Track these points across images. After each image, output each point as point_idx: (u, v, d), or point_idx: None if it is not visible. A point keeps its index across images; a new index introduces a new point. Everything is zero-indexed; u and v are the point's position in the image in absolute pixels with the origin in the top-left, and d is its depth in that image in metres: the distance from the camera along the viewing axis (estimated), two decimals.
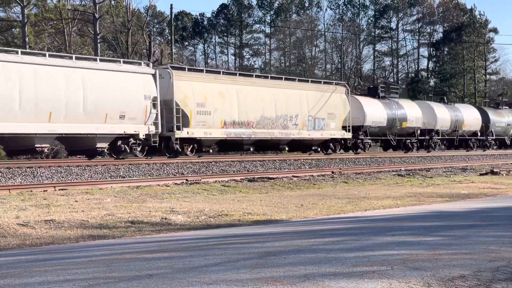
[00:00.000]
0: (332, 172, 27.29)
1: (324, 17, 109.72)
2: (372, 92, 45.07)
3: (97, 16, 47.62)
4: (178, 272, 6.93)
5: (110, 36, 52.74)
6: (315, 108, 36.66)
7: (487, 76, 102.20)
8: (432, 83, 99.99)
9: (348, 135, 38.84)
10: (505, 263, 7.19)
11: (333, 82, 40.87)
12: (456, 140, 51.51)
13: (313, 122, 36.45)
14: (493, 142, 56.40)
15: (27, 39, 46.41)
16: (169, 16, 57.86)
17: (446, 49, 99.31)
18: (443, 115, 49.48)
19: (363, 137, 41.18)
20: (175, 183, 21.07)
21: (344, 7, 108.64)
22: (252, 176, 23.86)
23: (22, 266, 7.62)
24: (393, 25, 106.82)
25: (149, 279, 6.54)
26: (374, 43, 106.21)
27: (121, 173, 23.42)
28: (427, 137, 47.34)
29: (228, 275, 6.70)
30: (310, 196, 17.97)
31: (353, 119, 39.52)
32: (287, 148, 36.10)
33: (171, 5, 54.19)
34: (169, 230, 11.62)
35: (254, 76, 36.89)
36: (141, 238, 10.64)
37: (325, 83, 39.69)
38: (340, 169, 29.06)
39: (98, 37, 48.11)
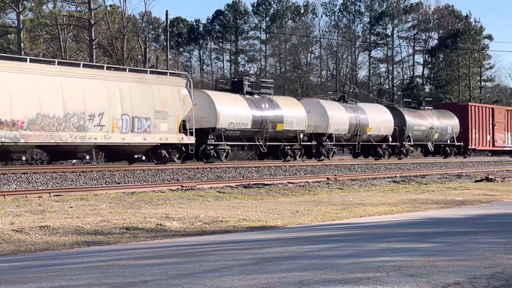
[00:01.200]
0: (327, 179, 27.29)
1: (319, 23, 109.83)
2: (236, 87, 36.72)
3: (92, 22, 47.59)
4: (173, 278, 6.92)
5: (105, 42, 52.71)
6: (136, 104, 28.68)
7: (482, 82, 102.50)
8: (427, 89, 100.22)
9: (190, 139, 30.81)
10: (500, 269, 7.19)
11: (166, 73, 33.43)
12: (358, 146, 42.73)
13: (131, 123, 28.36)
14: (411, 148, 48.07)
15: (22, 45, 46.37)
16: (165, 22, 57.90)
17: (441, 56, 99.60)
18: (339, 116, 40.66)
19: (214, 142, 33.12)
20: (170, 189, 21.04)
21: (339, 13, 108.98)
22: (247, 183, 23.84)
23: (16, 272, 7.60)
24: (388, 31, 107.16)
25: (144, 285, 6.53)
26: (369, 50, 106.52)
27: (116, 179, 23.39)
28: (314, 142, 39.03)
29: (223, 282, 6.69)
30: (305, 203, 17.96)
31: (201, 120, 32.06)
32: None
33: (167, 11, 54.42)
34: (164, 236, 11.60)
35: (23, 60, 26.86)
36: (136, 245, 10.62)
37: (153, 72, 31.90)
38: (335, 175, 29.06)
39: (94, 43, 48.09)
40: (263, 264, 7.70)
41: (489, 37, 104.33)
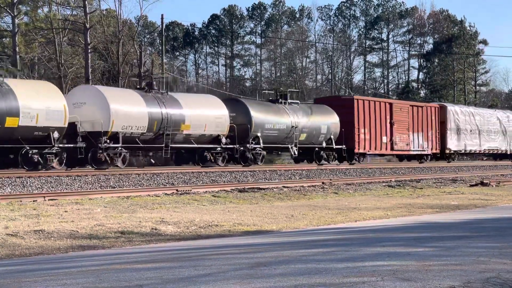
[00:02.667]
0: (323, 183, 27.30)
1: (315, 28, 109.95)
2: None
3: (87, 26, 47.60)
4: (168, 282, 6.91)
5: (101, 46, 52.70)
6: None
7: (477, 87, 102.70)
8: (422, 94, 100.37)
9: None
10: (495, 274, 7.20)
11: None
12: (166, 150, 30.48)
13: None
14: (263, 153, 34.99)
15: (17, 48, 46.36)
16: (160, 26, 57.91)
17: (437, 60, 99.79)
18: (131, 109, 29.36)
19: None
20: (166, 194, 21.02)
21: (335, 18, 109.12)
22: (243, 187, 23.84)
23: (11, 277, 7.58)
24: (383, 36, 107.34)
25: None
26: (364, 54, 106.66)
27: (111, 183, 23.37)
28: (81, 144, 27.42)
29: (218, 286, 6.68)
30: (301, 207, 17.96)
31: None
32: None
33: (162, 15, 54.42)
34: (159, 240, 11.59)
35: None
36: (131, 249, 10.61)
37: None
38: (330, 179, 29.08)
39: (89, 47, 48.09)
40: (258, 269, 7.70)
41: (484, 42, 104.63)
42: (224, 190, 22.80)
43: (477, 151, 54.78)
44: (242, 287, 6.61)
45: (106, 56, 53.50)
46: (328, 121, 39.12)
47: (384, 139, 43.46)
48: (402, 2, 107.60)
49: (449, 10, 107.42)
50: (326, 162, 38.74)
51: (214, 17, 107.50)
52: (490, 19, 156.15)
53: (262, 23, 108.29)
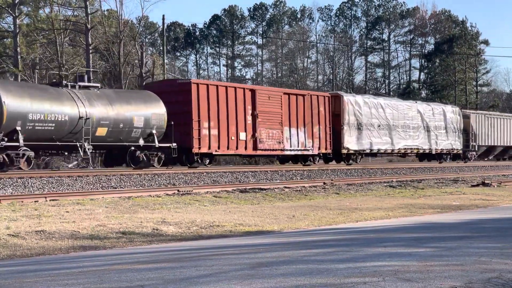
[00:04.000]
0: (324, 183, 27.29)
1: (316, 28, 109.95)
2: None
3: (89, 26, 47.61)
4: (169, 283, 6.92)
5: (102, 46, 52.70)
6: None
7: (479, 87, 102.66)
8: (423, 94, 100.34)
9: None
10: (496, 274, 7.20)
11: None
12: None
13: None
14: (30, 154, 25.02)
15: (18, 49, 46.37)
16: (161, 26, 57.93)
17: (438, 61, 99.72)
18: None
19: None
20: (167, 194, 21.02)
21: (336, 18, 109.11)
22: (244, 187, 23.83)
23: (12, 277, 7.59)
24: (385, 36, 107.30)
25: None
26: (366, 55, 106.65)
27: (113, 184, 23.37)
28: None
29: (219, 286, 6.69)
30: (302, 207, 17.96)
31: None
32: None
33: (163, 15, 54.22)
34: (160, 241, 11.59)
35: None
36: (132, 249, 10.61)
37: None
38: (331, 180, 29.07)
39: (90, 47, 48.09)
40: (260, 269, 7.70)
41: (485, 42, 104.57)
42: (226, 190, 22.80)
43: (389, 151, 44.04)
44: (243, 287, 6.61)
45: (108, 56, 53.51)
46: (145, 112, 29.02)
47: (243, 135, 33.19)
48: (404, 2, 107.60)
49: (450, 10, 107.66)
50: (154, 166, 28.96)
51: (215, 18, 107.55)
52: (491, 19, 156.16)
53: (263, 23, 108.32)
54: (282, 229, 13.35)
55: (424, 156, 48.98)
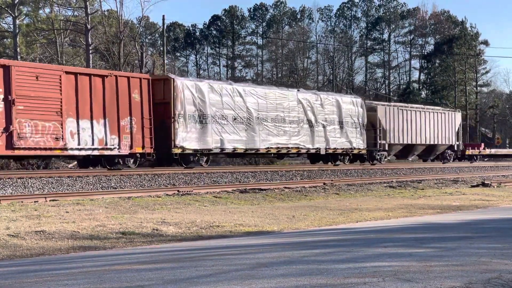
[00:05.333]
0: (324, 184, 27.29)
1: (316, 29, 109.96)
2: None
3: (89, 26, 47.63)
4: (169, 283, 6.91)
5: (102, 46, 52.74)
6: None
7: (478, 88, 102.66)
8: (423, 94, 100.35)
9: None
10: (496, 274, 7.19)
11: None
12: None
13: None
14: None
15: (18, 49, 46.38)
16: (162, 27, 57.95)
17: (438, 61, 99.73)
18: None
19: None
20: (167, 194, 21.01)
21: (336, 19, 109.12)
22: (244, 187, 23.82)
23: (12, 277, 7.59)
24: (385, 37, 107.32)
25: None
26: (366, 55, 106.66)
27: (113, 184, 23.36)
28: None
29: (219, 286, 6.68)
30: (302, 208, 17.96)
31: None
32: None
33: (163, 16, 54.23)
34: (160, 241, 11.59)
35: None
36: (132, 249, 10.61)
37: None
38: (331, 180, 29.06)
39: (90, 47, 48.12)
40: (260, 269, 7.70)
41: (485, 43, 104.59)
42: (225, 191, 22.79)
43: (253, 150, 34.00)
44: (243, 287, 6.61)
45: (108, 57, 53.53)
46: None
47: None
48: (404, 3, 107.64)
49: (450, 11, 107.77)
50: None
51: (215, 18, 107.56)
52: (491, 20, 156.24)
53: (264, 24, 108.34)
54: (282, 230, 13.35)
55: (316, 157, 39.53)
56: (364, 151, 40.40)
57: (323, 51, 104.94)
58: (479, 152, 56.32)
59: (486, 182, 29.45)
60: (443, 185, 29.62)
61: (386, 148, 42.72)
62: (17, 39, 46.64)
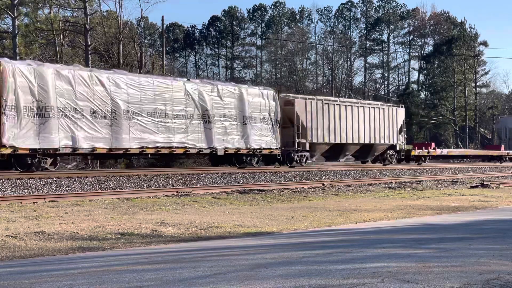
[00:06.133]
0: (323, 185, 27.29)
1: (315, 29, 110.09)
2: None
3: (88, 27, 47.62)
4: (168, 284, 6.91)
5: (101, 47, 52.72)
6: None
7: (477, 89, 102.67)
8: (422, 95, 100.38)
9: None
10: (496, 275, 7.19)
11: None
12: None
13: None
14: None
15: (17, 50, 46.36)
16: (161, 27, 57.93)
17: (437, 62, 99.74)
18: None
19: None
20: (166, 195, 21.02)
21: (335, 19, 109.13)
22: (243, 188, 23.83)
23: (11, 278, 7.58)
24: (384, 37, 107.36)
25: None
26: (365, 56, 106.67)
27: (112, 185, 23.36)
28: None
29: (218, 287, 6.68)
30: (301, 208, 17.96)
31: None
32: None
33: (163, 16, 54.26)
34: (159, 242, 11.59)
35: None
36: (131, 250, 10.60)
37: None
38: (331, 181, 29.06)
39: (89, 48, 48.11)
40: (258, 270, 7.70)
41: (484, 44, 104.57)
42: (224, 191, 22.79)
43: (120, 150, 28.08)
44: None
45: (107, 57, 53.52)
46: None
47: None
48: (403, 3, 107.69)
49: (449, 11, 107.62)
50: None
51: (214, 19, 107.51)
52: (490, 20, 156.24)
53: (263, 24, 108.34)
54: (281, 230, 13.35)
55: (220, 158, 34.15)
56: (277, 151, 34.90)
57: (322, 52, 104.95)
58: (428, 152, 49.96)
59: (485, 183, 29.47)
60: (442, 186, 29.62)
61: (307, 148, 36.92)
62: (16, 39, 46.61)
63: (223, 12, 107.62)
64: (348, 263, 8.11)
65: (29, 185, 21.58)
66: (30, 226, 12.72)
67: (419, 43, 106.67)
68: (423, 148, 50.50)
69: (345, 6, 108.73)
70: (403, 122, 45.89)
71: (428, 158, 50.18)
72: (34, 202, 17.82)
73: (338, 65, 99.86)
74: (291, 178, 30.27)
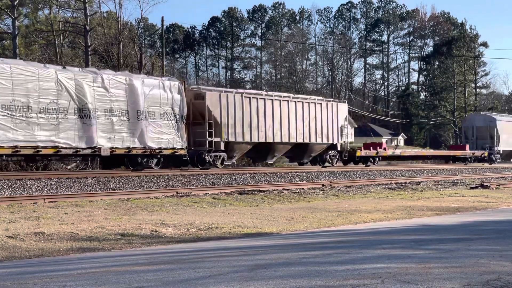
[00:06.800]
0: (323, 185, 27.29)
1: (315, 30, 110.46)
2: None
3: (88, 28, 47.61)
4: (168, 284, 6.91)
5: (101, 48, 52.72)
6: None
7: (477, 89, 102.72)
8: (422, 96, 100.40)
9: None
10: (495, 276, 7.19)
11: None
12: None
13: None
14: None
15: (17, 50, 46.35)
16: (161, 28, 57.94)
17: (437, 63, 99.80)
18: None
19: None
20: (166, 196, 21.01)
21: (335, 20, 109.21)
22: (243, 189, 23.82)
23: (11, 279, 7.58)
24: (384, 38, 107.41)
25: None
26: (365, 56, 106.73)
27: (111, 186, 23.35)
28: None
29: None
30: (301, 209, 17.95)
31: None
32: None
33: (162, 17, 54.36)
34: (159, 242, 11.59)
35: None
36: (131, 251, 10.60)
37: None
38: (330, 182, 29.05)
39: (89, 49, 48.10)
40: (258, 271, 7.69)
41: (484, 45, 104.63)
42: (224, 192, 22.79)
43: None
44: None
45: (107, 58, 53.51)
46: None
47: None
48: (403, 4, 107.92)
49: (450, 12, 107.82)
50: None
51: (214, 20, 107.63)
52: (490, 21, 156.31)
53: (263, 25, 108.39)
54: (280, 231, 13.35)
55: (109, 160, 29.52)
56: (182, 152, 30.29)
57: (322, 53, 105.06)
58: (377, 153, 43.81)
59: (485, 183, 29.47)
60: (442, 186, 29.62)
61: (222, 148, 32.24)
62: (16, 40, 46.60)
63: (223, 13, 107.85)
64: (348, 264, 8.11)
65: (29, 185, 21.57)
66: (30, 227, 12.71)
67: (419, 44, 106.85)
68: (371, 148, 44.54)
69: (345, 7, 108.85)
70: (346, 119, 41.82)
71: (378, 159, 44.67)
72: (34, 203, 17.81)
73: (338, 66, 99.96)
74: (291, 178, 30.26)
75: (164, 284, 6.96)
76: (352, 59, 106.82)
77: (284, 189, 24.95)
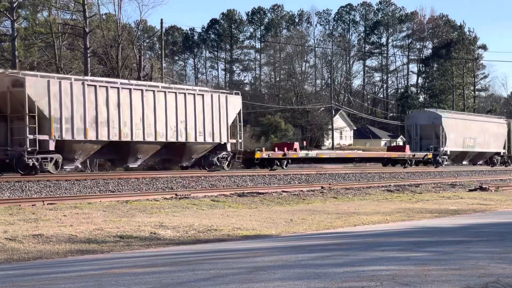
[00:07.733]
0: (322, 187, 27.27)
1: (314, 32, 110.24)
2: None
3: (87, 30, 47.60)
4: (167, 286, 6.91)
5: (100, 50, 52.68)
6: None
7: (476, 92, 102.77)
8: (421, 98, 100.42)
9: None
10: (494, 279, 7.19)
11: None
12: None
13: None
14: None
15: (16, 53, 46.34)
16: (160, 30, 57.95)
17: (436, 65, 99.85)
18: None
19: None
20: (165, 198, 21.00)
21: (334, 23, 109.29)
22: (242, 191, 23.82)
23: (10, 281, 7.57)
24: (383, 41, 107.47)
25: None
26: (364, 59, 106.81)
27: (110, 188, 23.35)
28: None
29: None
30: (300, 211, 17.94)
31: None
32: None
33: (162, 19, 54.39)
34: (158, 245, 11.58)
35: None
36: (130, 253, 10.59)
37: None
38: (329, 184, 29.05)
39: (88, 51, 48.08)
40: (257, 273, 7.69)
41: (483, 47, 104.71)
42: (223, 194, 22.78)
43: None
44: None
45: (106, 60, 53.48)
46: None
47: None
48: (402, 7, 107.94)
49: (448, 15, 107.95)
50: None
51: (213, 22, 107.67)
52: (489, 24, 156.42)
53: (262, 27, 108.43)
54: (280, 233, 13.34)
55: None
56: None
57: (321, 55, 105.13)
58: (284, 155, 37.02)
59: (483, 186, 29.45)
60: (441, 189, 29.61)
61: (52, 148, 25.93)
62: (15, 42, 46.59)
63: (222, 15, 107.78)
64: (347, 266, 8.10)
65: (27, 187, 21.56)
66: (28, 229, 12.70)
67: (418, 46, 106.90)
68: (276, 149, 38.01)
69: (344, 9, 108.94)
70: (239, 114, 34.22)
71: (287, 161, 37.70)
72: (32, 205, 17.81)
73: (337, 68, 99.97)
74: (290, 181, 30.26)
75: (163, 286, 6.96)
76: (351, 62, 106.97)
77: (283, 191, 24.94)
